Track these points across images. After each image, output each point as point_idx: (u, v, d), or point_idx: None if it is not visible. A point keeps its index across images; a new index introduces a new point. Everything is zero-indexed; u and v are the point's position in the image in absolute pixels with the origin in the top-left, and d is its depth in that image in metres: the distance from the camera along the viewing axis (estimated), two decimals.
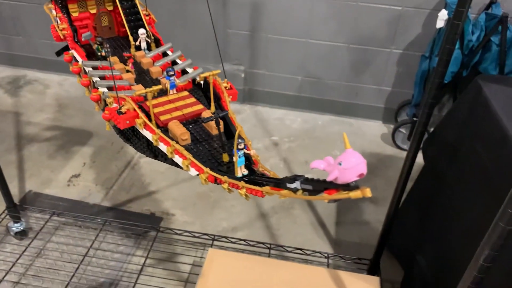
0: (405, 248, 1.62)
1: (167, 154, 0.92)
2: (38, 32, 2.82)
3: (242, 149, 0.83)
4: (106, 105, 1.01)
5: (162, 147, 0.93)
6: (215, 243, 1.71)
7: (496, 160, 1.11)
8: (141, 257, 1.70)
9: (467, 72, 2.08)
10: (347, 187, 0.65)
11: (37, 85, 2.85)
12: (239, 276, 1.34)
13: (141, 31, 1.21)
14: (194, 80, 1.12)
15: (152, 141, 0.94)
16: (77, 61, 1.18)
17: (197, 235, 1.73)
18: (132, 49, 1.23)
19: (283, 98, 2.68)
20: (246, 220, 1.91)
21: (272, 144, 2.41)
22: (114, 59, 1.18)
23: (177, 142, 0.92)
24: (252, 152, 0.88)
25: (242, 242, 1.70)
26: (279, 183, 0.75)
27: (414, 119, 2.25)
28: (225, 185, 0.84)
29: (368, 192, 0.63)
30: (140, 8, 1.29)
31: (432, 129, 1.53)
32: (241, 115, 2.66)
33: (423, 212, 1.54)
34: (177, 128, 0.93)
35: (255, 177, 0.83)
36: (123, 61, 1.20)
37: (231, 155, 0.88)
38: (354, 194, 0.64)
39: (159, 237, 1.76)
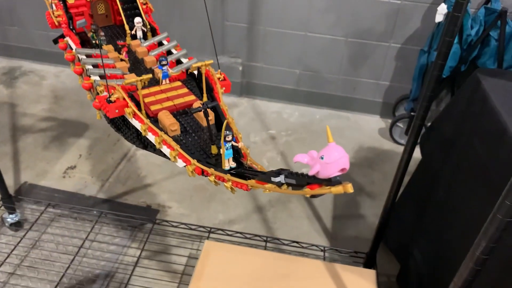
0: (401, 242, 1.62)
1: (155, 144, 0.91)
2: (34, 23, 2.79)
3: (229, 141, 0.81)
4: (98, 94, 1.00)
5: (151, 137, 0.92)
6: (212, 235, 1.71)
7: (493, 154, 1.11)
8: (137, 249, 1.70)
9: (466, 67, 2.08)
10: (329, 182, 0.63)
11: (33, 76, 2.82)
12: (235, 268, 1.34)
13: (137, 19, 1.19)
14: (188, 70, 1.11)
15: (141, 131, 0.93)
16: (71, 48, 1.17)
17: (193, 227, 1.72)
18: (128, 38, 1.22)
19: (280, 92, 2.67)
20: (243, 213, 1.91)
21: (269, 138, 2.41)
22: (108, 47, 1.16)
23: (166, 133, 0.90)
24: (240, 145, 0.86)
25: (238, 234, 1.70)
26: (264, 177, 0.73)
27: (412, 113, 2.25)
28: (212, 178, 0.83)
29: (349, 188, 0.62)
30: None
31: (429, 124, 1.53)
32: (239, 108, 2.65)
33: (419, 207, 1.55)
34: (166, 118, 0.92)
35: (242, 170, 0.81)
36: (118, 49, 1.18)
37: (219, 147, 0.87)
38: (336, 190, 0.63)
39: (155, 229, 1.75)
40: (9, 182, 1.94)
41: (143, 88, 1.01)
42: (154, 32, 1.24)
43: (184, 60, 1.12)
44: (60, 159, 2.16)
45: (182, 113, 0.98)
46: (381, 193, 2.05)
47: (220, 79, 1.04)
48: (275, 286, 1.30)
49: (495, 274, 1.02)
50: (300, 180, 0.67)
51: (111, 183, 2.03)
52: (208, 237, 1.69)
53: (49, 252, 1.66)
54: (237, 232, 1.70)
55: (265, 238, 1.68)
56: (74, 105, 2.56)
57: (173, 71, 1.07)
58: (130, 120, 0.95)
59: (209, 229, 1.71)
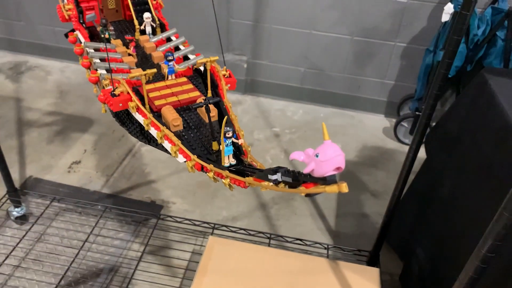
0: (404, 240, 1.62)
1: (157, 139, 0.91)
2: (40, 18, 2.80)
3: (230, 137, 0.81)
4: (103, 87, 1.01)
5: (153, 131, 0.92)
6: (215, 231, 1.72)
7: (499, 152, 1.11)
8: (141, 244, 1.70)
9: (472, 67, 2.07)
10: (324, 181, 0.62)
11: (38, 71, 2.84)
12: (239, 264, 1.35)
13: (146, 15, 1.20)
14: (194, 66, 1.11)
15: (144, 126, 0.93)
16: (81, 42, 1.18)
17: (197, 223, 1.73)
18: (137, 33, 1.22)
19: (285, 89, 2.67)
20: (246, 210, 1.92)
21: (273, 135, 2.41)
22: (117, 42, 1.17)
23: (168, 128, 0.91)
24: (240, 142, 0.86)
25: (242, 231, 1.70)
26: (261, 174, 0.73)
27: (417, 113, 2.25)
28: (211, 174, 0.83)
29: (344, 187, 0.60)
30: None
31: (434, 123, 1.53)
32: (243, 105, 2.65)
33: (423, 205, 1.55)
34: (169, 113, 0.92)
35: (241, 167, 0.81)
36: (126, 44, 1.19)
37: (220, 144, 0.87)
38: (330, 189, 0.61)
39: (159, 224, 1.76)
40: (15, 176, 1.95)
41: (148, 83, 1.02)
42: (163, 28, 1.24)
43: (191, 57, 1.13)
44: (65, 154, 2.17)
45: (185, 109, 0.98)
46: (385, 192, 2.05)
47: (226, 76, 1.04)
48: (278, 283, 1.31)
49: (498, 271, 1.02)
50: (296, 178, 0.67)
51: (115, 178, 2.04)
52: (212, 233, 1.70)
53: (53, 245, 1.67)
54: (241, 229, 1.71)
55: (268, 235, 1.68)
56: (79, 100, 2.57)
57: (179, 67, 1.07)
58: (133, 114, 0.95)
59: (213, 225, 1.72)
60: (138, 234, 1.77)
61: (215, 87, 1.03)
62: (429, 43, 2.19)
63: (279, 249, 1.48)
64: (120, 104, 0.94)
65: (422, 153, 1.36)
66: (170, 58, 1.05)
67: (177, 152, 0.87)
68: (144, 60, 1.15)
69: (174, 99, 0.98)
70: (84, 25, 1.22)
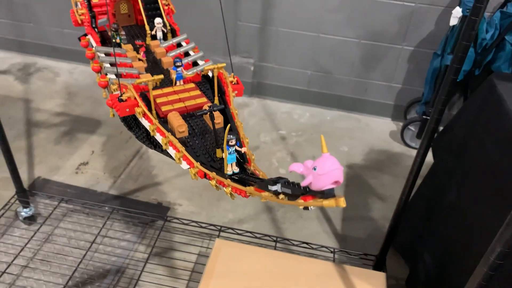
0: (411, 244, 1.62)
1: (162, 145, 0.92)
2: (49, 20, 2.82)
3: (233, 145, 0.81)
4: (112, 92, 1.01)
5: (158, 137, 0.93)
6: (221, 234, 1.72)
7: (507, 158, 1.11)
8: (147, 246, 1.71)
9: (480, 71, 2.06)
10: (322, 194, 0.61)
11: (47, 73, 2.86)
12: (245, 267, 1.35)
13: (157, 20, 1.21)
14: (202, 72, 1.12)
15: (150, 131, 0.94)
16: (92, 46, 1.19)
17: (203, 225, 1.74)
18: (148, 38, 1.23)
19: (291, 92, 2.67)
20: (252, 213, 1.92)
21: (279, 138, 2.41)
22: (128, 46, 1.18)
23: (174, 134, 0.91)
24: (244, 150, 0.86)
25: (248, 234, 1.71)
26: (261, 184, 0.73)
27: (424, 117, 2.24)
28: (213, 182, 0.83)
29: (342, 202, 0.60)
30: None
31: (442, 127, 1.52)
32: (249, 108, 2.66)
33: (430, 210, 1.54)
34: (175, 119, 0.92)
35: (243, 176, 0.81)
36: (137, 49, 1.20)
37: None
38: (328, 203, 0.60)
39: (166, 226, 1.77)
40: (23, 176, 1.97)
41: (156, 88, 1.02)
42: (174, 33, 1.25)
43: (200, 62, 1.13)
44: (73, 155, 2.18)
45: (192, 115, 0.99)
46: (391, 196, 2.05)
47: (233, 83, 1.04)
48: (285, 286, 1.31)
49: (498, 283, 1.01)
50: (296, 191, 0.66)
51: (123, 179, 2.06)
52: (218, 236, 1.70)
53: (61, 246, 1.69)
54: (247, 232, 1.71)
55: (275, 238, 1.69)
56: (87, 101, 2.59)
57: (187, 73, 1.08)
58: (140, 119, 0.96)
59: (219, 227, 1.72)
60: (144, 235, 1.77)
61: (222, 93, 1.03)
62: (437, 46, 2.18)
63: (285, 253, 1.48)
64: (127, 110, 0.95)
65: (429, 157, 1.36)
66: (178, 64, 1.05)
67: (181, 159, 0.87)
68: (154, 65, 1.16)
69: (181, 105, 0.99)
70: (96, 29, 1.23)
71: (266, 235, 1.71)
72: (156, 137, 0.93)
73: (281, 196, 0.69)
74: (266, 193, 0.71)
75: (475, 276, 0.78)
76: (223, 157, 0.82)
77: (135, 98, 0.94)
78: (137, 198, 1.97)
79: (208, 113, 0.87)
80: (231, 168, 0.83)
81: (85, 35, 1.24)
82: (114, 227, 1.79)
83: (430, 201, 1.53)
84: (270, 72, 2.64)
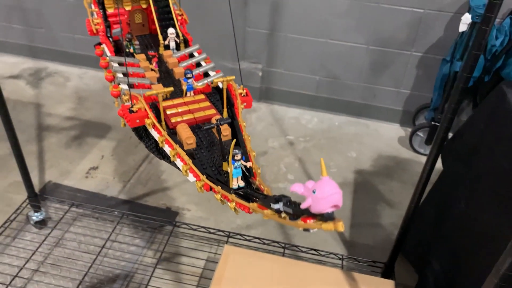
0: (420, 252, 1.61)
1: (170, 156, 0.93)
2: (60, 25, 2.86)
3: (238, 160, 0.82)
4: (123, 102, 1.03)
5: (167, 149, 0.94)
6: (230, 240, 1.73)
7: None
8: (156, 251, 1.72)
9: (489, 78, 2.05)
10: (322, 216, 0.62)
11: (57, 77, 2.90)
12: (254, 274, 1.35)
13: (170, 30, 1.22)
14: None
15: (158, 142, 0.95)
16: (107, 55, 1.21)
17: (212, 231, 1.75)
18: (161, 48, 1.25)
19: (299, 97, 2.68)
20: (260, 218, 1.92)
21: (287, 143, 2.42)
22: (141, 56, 1.20)
23: (182, 146, 0.92)
24: (249, 164, 0.86)
25: (256, 240, 1.71)
26: (265, 202, 0.73)
27: (433, 123, 2.23)
28: (218, 196, 0.84)
29: (340, 226, 0.60)
30: (172, 7, 1.31)
31: (451, 135, 1.52)
32: (257, 113, 2.66)
33: (439, 217, 1.54)
34: (183, 131, 0.94)
35: (248, 191, 0.82)
36: (149, 59, 1.21)
37: None
38: (326, 226, 0.61)
39: (174, 231, 1.78)
40: (34, 180, 1.99)
41: (167, 99, 1.04)
42: (186, 44, 1.27)
43: (211, 73, 1.15)
44: (83, 159, 2.21)
45: (200, 127, 1.00)
46: (400, 202, 2.04)
47: (242, 94, 1.05)
48: None
49: None
50: (297, 211, 0.66)
51: (132, 184, 2.07)
52: (226, 242, 1.71)
53: (71, 250, 1.71)
54: (256, 238, 1.71)
55: (283, 245, 1.69)
56: (97, 106, 2.62)
57: (197, 84, 1.09)
58: (150, 130, 0.97)
59: (227, 233, 1.73)
60: (153, 240, 1.79)
61: (231, 105, 1.04)
62: (446, 52, 2.18)
63: (293, 259, 1.48)
64: (137, 121, 0.96)
65: (438, 164, 1.36)
66: (189, 76, 1.07)
67: (188, 171, 0.88)
68: (166, 75, 1.17)
69: (190, 116, 1.00)
70: (110, 39, 1.25)
71: (274, 242, 1.71)
72: (164, 148, 0.95)
73: (283, 214, 0.69)
74: (268, 211, 0.71)
75: (486, 287, 0.78)
76: (229, 171, 0.83)
77: (145, 110, 0.96)
78: (146, 203, 1.98)
79: (215, 127, 0.88)
80: (236, 182, 0.84)
81: (99, 44, 1.26)
82: (123, 232, 1.81)
83: (439, 208, 1.53)
84: (278, 77, 2.65)
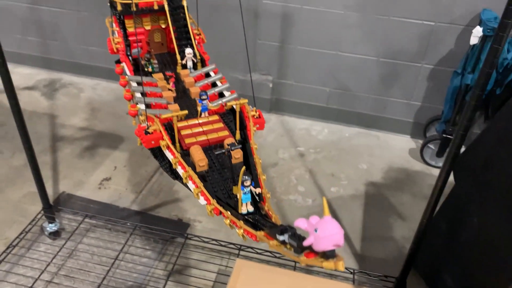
0: (432, 266, 1.60)
1: (183, 178, 0.95)
2: (74, 38, 2.92)
3: (247, 186, 0.84)
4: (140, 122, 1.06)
5: (180, 170, 0.96)
6: (241, 253, 1.74)
7: None
8: (168, 263, 1.74)
9: (501, 90, 2.04)
10: (324, 254, 0.63)
11: (71, 88, 2.95)
12: (265, 287, 1.36)
13: (188, 50, 1.25)
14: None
15: (172, 163, 0.97)
16: (126, 74, 1.24)
17: (223, 244, 1.75)
18: (179, 67, 1.28)
19: (310, 109, 2.69)
20: None
21: (298, 155, 2.42)
22: (159, 75, 1.22)
23: (194, 168, 0.94)
24: (258, 191, 0.87)
25: (268, 253, 1.71)
26: (271, 232, 0.74)
27: (444, 135, 2.23)
28: (227, 221, 0.86)
29: (340, 266, 0.61)
30: (191, 27, 1.34)
31: (463, 149, 1.51)
32: (268, 124, 2.68)
33: (451, 232, 1.53)
34: (196, 153, 0.96)
35: (256, 218, 0.83)
36: (167, 79, 1.24)
37: None
38: (327, 265, 0.62)
39: (186, 243, 1.79)
40: (49, 191, 2.02)
41: (182, 120, 1.06)
42: (203, 63, 1.29)
43: (226, 93, 1.17)
44: (96, 170, 2.24)
45: (213, 148, 1.02)
46: (411, 215, 2.03)
47: (255, 116, 1.07)
48: None
49: None
50: (301, 245, 0.67)
51: (144, 195, 2.10)
52: (238, 255, 1.72)
53: (84, 262, 1.73)
54: (267, 251, 1.72)
55: None
56: (110, 117, 2.66)
57: (212, 105, 1.11)
58: (164, 151, 1.00)
59: (239, 246, 1.74)
60: (165, 252, 1.80)
61: (243, 127, 1.06)
62: (457, 65, 2.18)
63: (305, 274, 1.48)
64: (152, 142, 0.99)
65: (450, 177, 1.35)
66: (204, 97, 1.09)
67: (199, 194, 0.90)
68: (183, 94, 1.20)
69: (203, 137, 1.02)
70: (130, 57, 1.28)
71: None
72: (178, 170, 0.96)
73: (288, 246, 0.71)
74: (274, 242, 0.73)
75: None
76: (238, 197, 0.85)
77: (160, 132, 0.98)
78: (158, 214, 2.00)
79: (226, 152, 0.90)
80: (245, 207, 0.86)
81: (119, 62, 1.29)
82: (135, 243, 1.82)
83: (452, 223, 1.52)
84: (288, 88, 2.67)
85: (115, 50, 1.28)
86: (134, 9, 1.28)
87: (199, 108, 1.10)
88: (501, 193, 1.25)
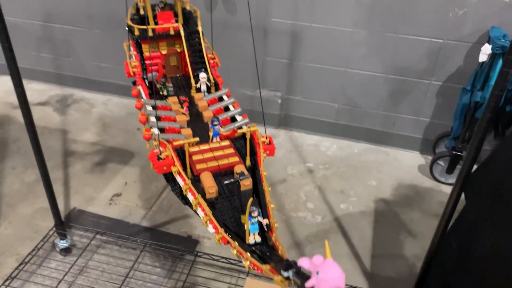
0: (443, 285, 1.59)
1: (192, 205, 0.96)
2: (87, 54, 2.98)
3: (255, 217, 0.85)
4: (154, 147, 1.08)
5: (190, 197, 0.97)
6: (251, 271, 1.73)
7: None
8: (178, 281, 1.74)
9: (511, 108, 2.04)
10: None
11: (83, 104, 3.00)
12: None
13: (202, 75, 1.28)
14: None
15: (183, 189, 0.99)
16: (142, 97, 1.26)
17: (233, 262, 1.76)
18: (193, 91, 1.30)
19: (318, 124, 2.70)
20: None
21: (306, 171, 2.43)
22: (173, 99, 1.24)
23: (204, 194, 0.95)
24: (265, 222, 0.88)
25: None
26: (277, 267, 0.75)
27: (454, 152, 2.22)
28: (234, 251, 0.86)
29: None
30: (205, 51, 1.36)
31: (474, 169, 1.51)
32: (276, 140, 2.69)
33: (463, 252, 1.51)
34: (206, 180, 0.97)
35: (262, 249, 0.84)
36: (181, 103, 1.26)
37: None
38: None
39: (195, 261, 1.79)
40: (60, 206, 2.03)
41: (194, 145, 1.08)
42: (217, 87, 1.32)
43: (238, 118, 1.18)
44: (107, 185, 2.26)
45: (224, 174, 1.04)
46: (421, 233, 2.02)
47: (266, 143, 1.08)
48: None
49: None
50: (303, 285, 0.68)
51: (154, 211, 2.11)
52: (247, 273, 1.71)
53: (95, 279, 1.74)
54: None
55: None
56: (121, 133, 2.69)
57: (224, 130, 1.13)
58: (175, 177, 1.01)
59: None
60: (174, 269, 1.81)
61: (254, 154, 1.07)
62: (465, 82, 2.18)
63: None
64: (164, 168, 1.00)
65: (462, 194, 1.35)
66: (215, 123, 1.11)
67: (208, 222, 0.91)
68: (196, 118, 1.22)
69: (214, 163, 1.03)
70: (146, 81, 1.31)
71: None
72: (188, 196, 0.98)
73: (292, 282, 0.71)
74: (279, 277, 0.73)
75: None
76: (245, 228, 0.85)
77: (172, 158, 1.00)
78: (167, 230, 2.01)
79: (235, 182, 0.91)
80: (253, 237, 0.87)
81: (134, 84, 1.31)
82: (145, 260, 1.83)
83: (463, 243, 1.51)
84: (297, 104, 2.69)
85: (131, 73, 1.31)
86: (151, 34, 1.31)
87: (210, 134, 1.12)
88: None
